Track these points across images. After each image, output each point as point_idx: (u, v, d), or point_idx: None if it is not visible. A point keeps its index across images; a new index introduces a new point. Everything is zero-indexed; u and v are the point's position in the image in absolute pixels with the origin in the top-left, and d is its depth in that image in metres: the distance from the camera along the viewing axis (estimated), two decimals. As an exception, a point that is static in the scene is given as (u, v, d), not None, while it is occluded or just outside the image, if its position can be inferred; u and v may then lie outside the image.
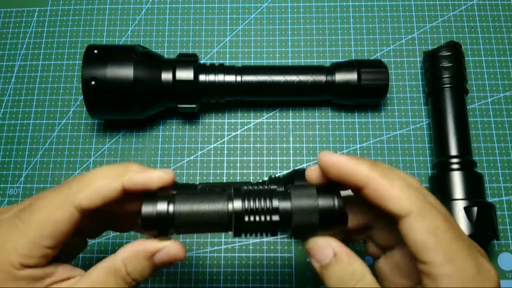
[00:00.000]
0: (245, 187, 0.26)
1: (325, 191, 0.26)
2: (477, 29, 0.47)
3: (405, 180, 0.24)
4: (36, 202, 0.25)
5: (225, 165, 0.44)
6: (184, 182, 0.43)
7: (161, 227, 0.25)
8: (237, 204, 0.25)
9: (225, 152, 0.44)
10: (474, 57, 0.46)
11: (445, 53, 0.42)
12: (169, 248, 0.25)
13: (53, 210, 0.24)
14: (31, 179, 0.44)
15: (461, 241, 0.23)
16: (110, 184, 0.25)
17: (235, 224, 0.25)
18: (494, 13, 0.48)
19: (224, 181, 0.43)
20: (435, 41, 0.47)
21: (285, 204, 0.25)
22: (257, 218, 0.25)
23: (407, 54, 0.47)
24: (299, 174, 0.37)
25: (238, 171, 0.43)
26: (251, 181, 0.43)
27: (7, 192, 0.44)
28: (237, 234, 0.26)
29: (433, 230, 0.23)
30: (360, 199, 0.25)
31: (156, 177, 0.25)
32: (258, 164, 0.43)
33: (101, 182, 0.25)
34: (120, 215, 0.28)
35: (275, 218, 0.25)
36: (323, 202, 0.25)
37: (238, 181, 0.43)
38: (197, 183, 0.42)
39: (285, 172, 0.43)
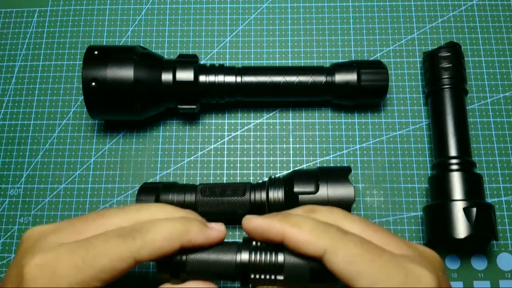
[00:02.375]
0: (254, 243, 0.28)
1: None
2: (477, 30, 0.47)
3: (314, 222, 0.26)
4: (99, 246, 0.25)
5: (225, 165, 0.44)
6: (185, 182, 0.43)
7: (173, 271, 0.27)
8: (244, 257, 0.27)
9: (225, 152, 0.44)
10: (474, 57, 0.46)
11: (444, 54, 0.42)
12: None
13: (116, 261, 0.25)
14: (31, 179, 0.44)
15: (380, 257, 0.24)
16: (171, 244, 0.26)
17: (242, 277, 0.27)
18: (494, 14, 0.48)
19: (224, 181, 0.43)
20: (435, 41, 0.47)
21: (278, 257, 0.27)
22: (262, 275, 0.27)
23: (406, 54, 0.47)
24: (299, 175, 0.38)
25: (238, 171, 0.43)
26: (251, 181, 0.43)
27: (8, 193, 0.44)
28: (243, 283, 0.28)
29: (349, 259, 0.24)
30: None
31: (212, 239, 0.27)
32: (258, 165, 0.44)
33: (164, 242, 0.26)
34: None
35: (280, 277, 0.27)
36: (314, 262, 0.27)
37: (238, 181, 0.43)
38: (197, 183, 0.42)
39: (285, 172, 0.43)
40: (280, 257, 0.27)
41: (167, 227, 0.26)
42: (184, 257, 0.27)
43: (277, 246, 0.28)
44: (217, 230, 0.28)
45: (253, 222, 0.27)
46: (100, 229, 0.27)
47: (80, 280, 0.25)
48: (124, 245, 0.26)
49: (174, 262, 0.27)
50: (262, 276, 0.27)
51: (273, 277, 0.27)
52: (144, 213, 0.28)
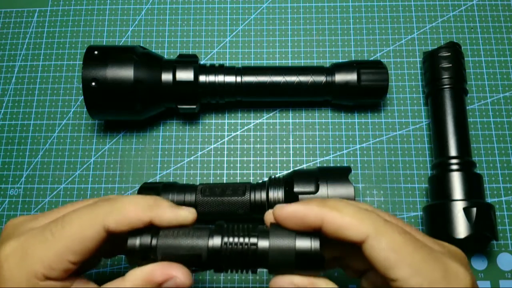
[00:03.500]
0: (226, 225, 0.27)
1: (305, 233, 0.26)
2: (477, 30, 0.47)
3: (355, 206, 0.25)
4: (68, 216, 0.26)
5: (225, 165, 0.44)
6: (185, 182, 0.43)
7: (143, 256, 0.26)
8: (217, 241, 0.26)
9: (225, 152, 0.44)
10: (474, 57, 0.46)
11: (444, 54, 0.42)
12: (178, 278, 0.26)
13: (83, 228, 0.25)
14: (31, 179, 0.44)
15: (422, 250, 0.24)
16: (139, 214, 0.26)
17: (214, 258, 0.26)
18: (494, 14, 0.48)
19: (224, 181, 0.43)
20: (435, 41, 0.47)
21: (263, 243, 0.26)
22: (235, 256, 0.26)
23: (406, 54, 0.47)
24: (299, 175, 0.38)
25: (238, 171, 0.43)
26: (251, 181, 0.43)
27: (8, 193, 0.44)
28: (217, 269, 0.26)
29: (393, 246, 0.24)
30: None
31: (182, 217, 0.27)
32: (258, 165, 0.44)
33: (131, 210, 0.26)
34: None
35: (252, 257, 0.26)
36: (301, 243, 0.25)
37: (238, 181, 0.43)
38: (197, 183, 0.42)
39: (285, 172, 0.43)
40: (265, 243, 0.26)
41: (136, 198, 0.27)
42: (154, 241, 0.26)
43: (252, 229, 0.26)
44: (187, 210, 0.27)
45: (288, 209, 0.26)
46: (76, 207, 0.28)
47: (52, 254, 0.25)
48: (92, 211, 0.26)
49: (143, 247, 0.26)
50: (235, 256, 0.26)
51: (245, 257, 0.26)
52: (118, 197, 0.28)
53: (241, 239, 0.26)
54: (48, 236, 0.25)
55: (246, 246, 0.26)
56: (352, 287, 0.39)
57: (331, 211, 0.25)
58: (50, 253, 0.25)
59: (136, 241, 0.26)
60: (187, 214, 0.27)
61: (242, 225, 0.27)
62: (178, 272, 0.26)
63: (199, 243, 0.26)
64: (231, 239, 0.26)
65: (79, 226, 0.25)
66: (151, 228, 0.27)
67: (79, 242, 0.25)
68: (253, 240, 0.26)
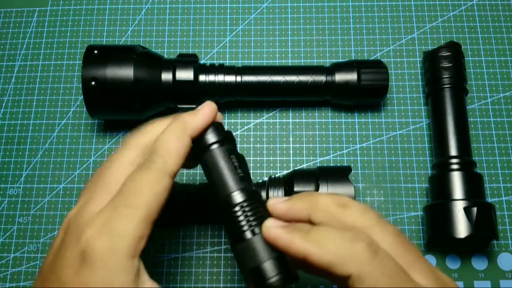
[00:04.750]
0: (258, 193, 0.29)
1: (281, 261, 0.26)
2: (477, 29, 0.47)
3: (339, 240, 0.24)
4: (129, 186, 0.26)
5: (225, 165, 0.44)
6: (184, 182, 0.43)
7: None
8: (238, 198, 0.28)
9: (225, 152, 0.44)
10: (474, 57, 0.46)
11: (445, 54, 0.42)
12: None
13: (154, 185, 0.26)
14: (31, 179, 0.44)
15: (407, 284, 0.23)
16: (184, 142, 0.28)
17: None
18: (494, 13, 0.48)
19: (224, 181, 0.43)
20: (435, 41, 0.47)
21: (248, 237, 0.27)
22: (227, 221, 0.28)
23: (407, 54, 0.47)
24: (299, 175, 0.37)
25: (238, 171, 0.43)
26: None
27: (7, 192, 0.44)
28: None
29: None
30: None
31: (208, 112, 0.29)
32: (258, 164, 0.43)
33: (178, 144, 0.28)
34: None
35: (231, 237, 0.28)
36: (265, 268, 0.26)
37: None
38: (197, 183, 0.42)
39: (285, 172, 0.43)
40: (247, 238, 0.27)
41: (170, 134, 0.28)
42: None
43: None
44: (206, 106, 0.29)
45: (273, 234, 0.25)
46: (118, 174, 0.27)
47: (136, 225, 0.25)
48: (149, 170, 0.26)
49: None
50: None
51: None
52: (144, 137, 0.29)
53: (248, 218, 0.27)
54: (123, 211, 0.25)
55: (239, 227, 0.27)
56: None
57: (313, 247, 0.24)
58: (134, 224, 0.25)
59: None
60: (209, 108, 0.29)
61: (265, 208, 0.28)
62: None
63: (228, 184, 0.28)
64: (246, 208, 0.27)
65: (148, 186, 0.26)
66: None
67: (157, 198, 0.26)
68: (247, 228, 0.27)
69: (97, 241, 0.24)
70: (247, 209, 0.27)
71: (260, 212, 0.27)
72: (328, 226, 0.25)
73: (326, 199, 0.26)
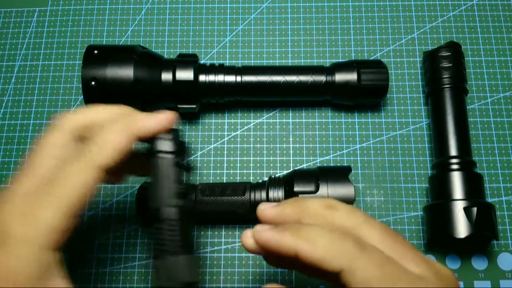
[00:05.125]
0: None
1: None
2: (477, 29, 0.47)
3: (330, 235, 0.24)
4: (56, 174, 0.26)
5: (225, 165, 0.44)
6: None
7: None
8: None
9: (225, 152, 0.44)
10: (474, 57, 0.46)
11: (445, 54, 0.42)
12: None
13: (80, 177, 0.26)
14: (31, 179, 0.44)
15: (398, 282, 0.23)
16: (125, 138, 0.27)
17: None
18: (494, 13, 0.48)
19: (224, 181, 0.43)
20: (435, 41, 0.47)
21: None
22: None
23: (407, 54, 0.47)
24: (299, 175, 0.37)
25: (238, 171, 0.43)
26: (251, 181, 0.43)
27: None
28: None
29: (366, 281, 0.23)
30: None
31: (163, 119, 0.28)
32: (258, 164, 0.43)
33: (117, 138, 0.27)
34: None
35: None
36: None
37: (238, 181, 0.43)
38: (197, 183, 0.42)
39: (285, 172, 0.43)
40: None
41: (112, 127, 0.27)
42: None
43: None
44: (163, 113, 0.28)
45: (263, 237, 0.26)
46: (47, 156, 0.27)
47: (54, 215, 0.24)
48: (83, 159, 0.26)
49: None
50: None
51: None
52: (80, 120, 0.28)
53: (172, 237, 0.27)
54: (47, 198, 0.25)
55: (161, 243, 0.27)
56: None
57: (304, 243, 0.24)
58: (58, 214, 0.24)
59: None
60: (166, 117, 0.28)
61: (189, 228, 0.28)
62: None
63: (163, 196, 0.28)
64: (172, 227, 0.27)
65: (75, 177, 0.26)
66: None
67: (83, 189, 0.26)
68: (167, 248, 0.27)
69: (14, 226, 0.24)
70: (172, 227, 0.27)
71: (184, 234, 0.27)
72: (317, 225, 0.26)
73: (314, 203, 0.27)
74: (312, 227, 0.25)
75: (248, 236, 0.27)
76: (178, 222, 0.27)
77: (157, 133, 0.28)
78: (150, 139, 0.28)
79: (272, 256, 0.28)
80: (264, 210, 0.27)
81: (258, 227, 0.27)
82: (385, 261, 0.24)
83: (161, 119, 0.28)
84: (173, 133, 0.29)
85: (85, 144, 0.27)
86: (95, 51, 0.40)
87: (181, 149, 0.29)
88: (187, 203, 0.29)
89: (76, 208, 0.25)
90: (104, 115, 0.28)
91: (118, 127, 0.27)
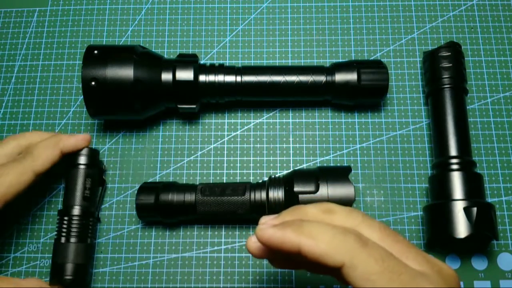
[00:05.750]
0: None
1: None
2: (477, 29, 0.47)
3: (332, 231, 0.25)
4: (4, 172, 0.36)
5: (225, 165, 0.44)
6: (184, 182, 0.43)
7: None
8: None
9: (225, 152, 0.44)
10: (474, 57, 0.46)
11: (445, 54, 0.42)
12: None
13: (18, 174, 0.36)
14: (31, 179, 0.44)
15: (399, 277, 0.23)
16: (53, 152, 0.38)
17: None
18: (494, 13, 0.48)
19: (224, 181, 0.43)
20: (435, 41, 0.47)
21: None
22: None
23: (407, 54, 0.47)
24: (299, 175, 0.37)
25: (238, 171, 0.43)
26: (251, 181, 0.43)
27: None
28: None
29: (368, 276, 0.23)
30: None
31: (81, 139, 0.39)
32: (258, 164, 0.43)
33: (48, 152, 0.38)
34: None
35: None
36: None
37: (238, 181, 0.43)
38: (197, 183, 0.42)
39: (285, 172, 0.43)
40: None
41: (45, 143, 0.38)
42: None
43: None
44: (82, 135, 0.40)
45: (266, 234, 0.26)
46: None
47: None
48: (19, 164, 0.36)
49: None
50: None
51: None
52: (22, 140, 0.39)
53: (72, 228, 0.38)
54: None
55: (64, 231, 0.38)
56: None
57: (306, 239, 0.25)
58: None
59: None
60: (83, 137, 0.40)
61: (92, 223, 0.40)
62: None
63: (72, 198, 0.39)
64: (74, 221, 0.39)
65: (14, 176, 0.36)
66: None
67: (17, 187, 0.36)
68: (66, 235, 0.38)
69: None
70: (77, 221, 0.38)
71: (82, 228, 0.38)
72: (319, 221, 0.26)
73: (312, 209, 0.27)
74: (314, 223, 0.26)
75: (253, 241, 0.27)
76: (78, 218, 0.38)
77: (76, 149, 0.39)
78: (72, 155, 0.39)
79: (277, 258, 0.28)
80: (265, 223, 0.27)
81: (261, 225, 0.27)
82: (386, 257, 0.24)
83: (79, 138, 0.39)
84: (90, 152, 0.40)
85: (25, 154, 0.37)
86: (95, 51, 0.40)
87: (94, 164, 0.40)
88: (90, 206, 0.39)
89: (8, 197, 0.35)
90: (39, 137, 0.39)
91: (49, 144, 0.38)
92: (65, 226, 0.38)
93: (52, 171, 0.38)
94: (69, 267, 0.37)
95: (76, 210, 0.38)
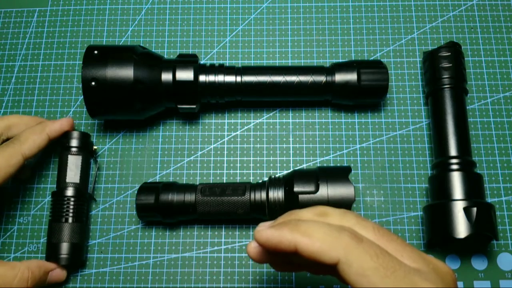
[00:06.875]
0: None
1: None
2: (477, 29, 0.47)
3: (327, 229, 0.25)
4: None
5: (225, 165, 0.44)
6: (184, 182, 0.43)
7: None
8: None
9: (225, 152, 0.44)
10: (474, 57, 0.46)
11: (444, 54, 0.42)
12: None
13: (8, 158, 0.37)
14: (31, 179, 0.44)
15: (394, 274, 0.23)
16: (40, 137, 0.39)
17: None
18: (494, 13, 0.48)
19: (224, 181, 0.43)
20: (435, 41, 0.47)
21: None
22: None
23: (407, 54, 0.47)
24: (299, 175, 0.37)
25: (238, 171, 0.43)
26: (251, 181, 0.43)
27: (8, 192, 0.44)
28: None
29: (363, 272, 0.23)
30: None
31: (65, 122, 0.41)
32: (258, 165, 0.44)
33: (35, 137, 0.39)
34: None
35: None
36: None
37: (238, 181, 0.43)
38: (197, 183, 0.42)
39: (285, 172, 0.43)
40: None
41: (32, 129, 0.40)
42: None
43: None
44: (63, 119, 0.41)
45: (264, 235, 0.26)
46: None
47: None
48: (8, 148, 0.38)
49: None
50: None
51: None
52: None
53: (67, 209, 0.39)
54: None
55: (59, 212, 0.39)
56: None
57: (302, 236, 0.25)
58: None
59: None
60: (66, 120, 0.41)
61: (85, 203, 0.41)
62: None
63: (65, 178, 0.40)
64: (69, 201, 0.39)
65: (3, 159, 0.37)
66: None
67: (8, 169, 0.37)
68: (63, 215, 0.39)
69: None
70: (70, 201, 0.39)
71: (76, 207, 0.39)
72: (315, 220, 0.27)
73: (307, 213, 0.28)
74: (310, 222, 0.26)
75: (253, 246, 0.28)
76: (72, 198, 0.39)
77: (61, 132, 0.41)
78: (61, 138, 0.41)
79: (277, 261, 0.29)
80: (262, 231, 0.27)
81: (258, 228, 0.27)
82: (380, 253, 0.24)
83: (63, 122, 0.41)
84: (81, 135, 0.41)
85: (14, 139, 0.39)
86: (95, 51, 0.40)
87: (85, 146, 0.41)
88: (82, 186, 0.40)
89: (2, 179, 0.37)
90: (19, 119, 0.41)
91: (36, 129, 0.40)
92: (58, 206, 0.39)
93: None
94: (65, 246, 0.38)
95: (69, 191, 0.39)
